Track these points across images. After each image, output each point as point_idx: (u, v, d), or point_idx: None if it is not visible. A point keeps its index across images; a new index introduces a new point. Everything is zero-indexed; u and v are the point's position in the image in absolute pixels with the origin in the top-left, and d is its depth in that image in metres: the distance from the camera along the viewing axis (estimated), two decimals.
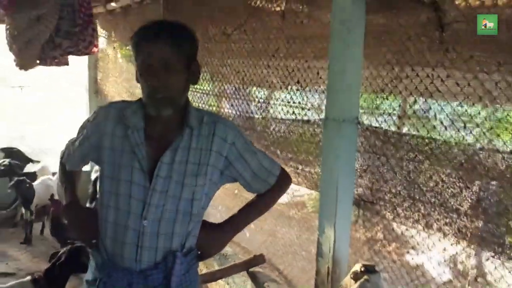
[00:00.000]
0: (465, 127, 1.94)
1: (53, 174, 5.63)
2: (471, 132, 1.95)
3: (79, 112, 7.17)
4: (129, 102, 1.63)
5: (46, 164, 5.92)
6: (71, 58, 3.97)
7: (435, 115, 2.08)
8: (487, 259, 1.92)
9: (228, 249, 3.53)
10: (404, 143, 2.16)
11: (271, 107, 3.16)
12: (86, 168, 6.59)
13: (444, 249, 2.18)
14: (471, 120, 1.98)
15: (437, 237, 2.10)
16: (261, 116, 3.23)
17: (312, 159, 2.80)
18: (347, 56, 2.29)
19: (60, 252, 3.06)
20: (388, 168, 2.26)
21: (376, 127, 2.32)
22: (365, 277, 1.92)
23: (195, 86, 3.65)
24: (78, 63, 5.43)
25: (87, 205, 5.52)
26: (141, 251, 1.51)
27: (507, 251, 1.80)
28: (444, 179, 2.00)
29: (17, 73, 4.09)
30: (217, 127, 1.56)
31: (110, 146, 1.56)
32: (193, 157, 1.53)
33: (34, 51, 3.37)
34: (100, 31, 6.26)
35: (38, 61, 3.63)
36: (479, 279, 2.45)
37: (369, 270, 1.95)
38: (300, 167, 2.89)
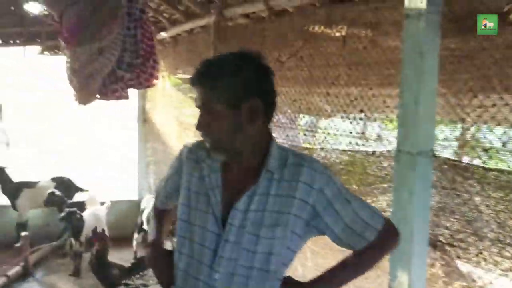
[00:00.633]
0: None
1: (101, 203, 5.62)
2: None
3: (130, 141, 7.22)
4: None
5: (95, 193, 5.93)
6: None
7: None
8: None
9: None
10: (491, 180, 1.92)
11: (331, 137, 2.98)
12: (133, 197, 6.64)
13: None
14: None
15: None
16: (319, 147, 3.05)
17: (378, 194, 2.59)
18: (420, 84, 2.10)
19: None
20: (471, 207, 2.03)
21: (455, 161, 2.10)
22: None
23: None
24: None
25: (135, 235, 5.48)
26: None
27: None
28: None
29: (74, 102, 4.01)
30: (302, 171, 1.36)
31: (187, 186, 1.46)
32: (272, 205, 1.35)
33: (95, 85, 3.25)
34: None
35: (98, 96, 3.53)
36: None
37: None
38: None
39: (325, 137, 3.03)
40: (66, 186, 5.89)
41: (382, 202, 2.47)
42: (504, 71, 1.88)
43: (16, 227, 5.63)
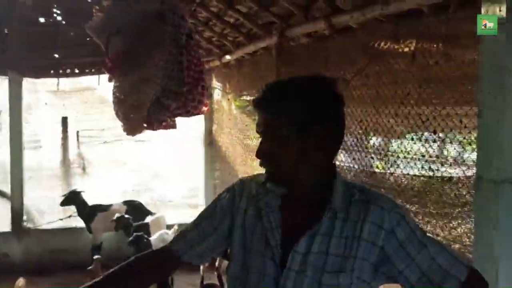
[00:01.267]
0: None
1: (168, 227, 5.63)
2: None
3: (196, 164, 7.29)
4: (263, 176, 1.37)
5: (161, 215, 5.95)
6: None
7: None
8: None
9: None
10: None
11: (401, 161, 2.73)
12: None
13: None
14: None
15: None
16: (389, 172, 2.81)
17: (457, 226, 2.31)
18: (503, 103, 1.84)
19: None
20: None
21: None
22: None
23: None
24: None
25: None
26: None
27: None
28: None
29: None
30: (370, 209, 1.20)
31: (241, 225, 1.32)
32: (336, 247, 1.19)
33: (139, 115, 3.22)
34: (215, 84, 6.38)
35: (145, 125, 3.43)
36: None
37: None
38: (441, 233, 2.41)
39: (395, 160, 2.79)
40: (137, 210, 6.00)
41: (463, 237, 2.20)
42: None
43: (91, 249, 5.80)
